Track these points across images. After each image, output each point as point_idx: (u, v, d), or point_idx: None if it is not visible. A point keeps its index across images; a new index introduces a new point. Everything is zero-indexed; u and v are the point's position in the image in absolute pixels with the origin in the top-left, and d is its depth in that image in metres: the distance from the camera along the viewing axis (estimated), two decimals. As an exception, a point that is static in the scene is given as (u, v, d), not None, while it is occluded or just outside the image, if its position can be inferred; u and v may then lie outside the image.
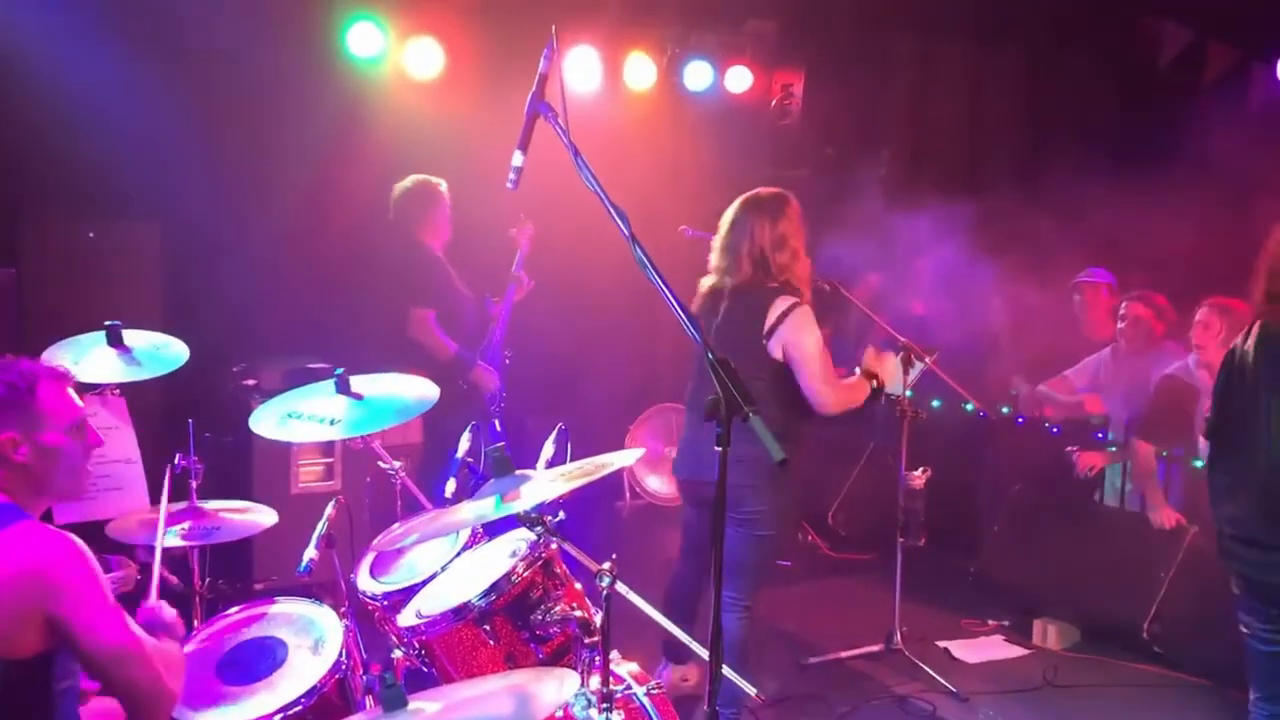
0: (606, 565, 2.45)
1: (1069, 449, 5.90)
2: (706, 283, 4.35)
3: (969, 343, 7.31)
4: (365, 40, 6.58)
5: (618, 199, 6.94)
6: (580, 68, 7.24)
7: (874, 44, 7.76)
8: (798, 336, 4.02)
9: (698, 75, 7.66)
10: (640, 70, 7.53)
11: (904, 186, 8.07)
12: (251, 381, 5.52)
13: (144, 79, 5.64)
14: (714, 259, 4.33)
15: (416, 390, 3.40)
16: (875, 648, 5.22)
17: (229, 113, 6.10)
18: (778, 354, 4.05)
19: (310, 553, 3.21)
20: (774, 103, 7.90)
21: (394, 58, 6.76)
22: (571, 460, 2.92)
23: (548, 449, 2.97)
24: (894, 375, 4.59)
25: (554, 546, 2.83)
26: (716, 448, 2.21)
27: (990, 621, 5.71)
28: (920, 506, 5.08)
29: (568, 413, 7.53)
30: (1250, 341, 3.25)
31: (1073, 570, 5.52)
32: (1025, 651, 5.43)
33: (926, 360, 5.09)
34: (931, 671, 4.99)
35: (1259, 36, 6.81)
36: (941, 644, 5.45)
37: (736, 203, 4.35)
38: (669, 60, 7.63)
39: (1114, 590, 5.33)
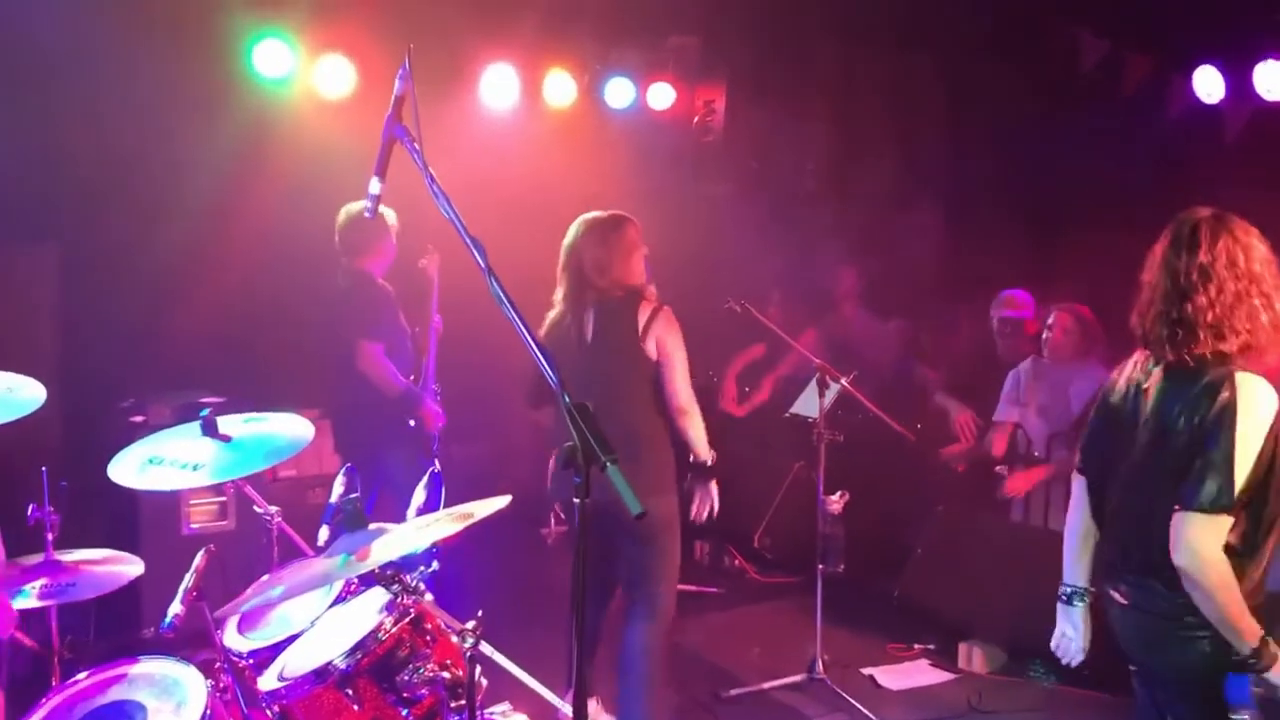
0: (470, 625, 2.28)
1: (997, 468, 5.83)
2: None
3: (892, 359, 7.27)
4: (273, 59, 6.38)
5: (539, 220, 6.81)
6: (498, 86, 7.09)
7: (795, 57, 7.69)
8: (668, 335, 4.22)
9: (619, 92, 7.55)
10: (560, 88, 7.39)
11: (827, 200, 8.02)
12: (139, 418, 5.26)
13: (37, 95, 5.42)
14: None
15: (291, 430, 3.22)
16: (797, 678, 5.10)
17: (127, 133, 5.87)
18: (653, 354, 4.19)
19: (175, 608, 3.00)
20: (696, 119, 7.82)
21: (304, 76, 6.56)
22: (444, 506, 2.75)
23: (419, 495, 2.80)
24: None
25: (426, 598, 2.65)
26: (575, 500, 2.07)
27: (915, 645, 5.61)
28: (839, 532, 4.97)
29: (492, 440, 7.46)
30: (1125, 375, 3.07)
31: (996, 591, 5.42)
32: (951, 676, 5.33)
33: (843, 382, 4.99)
34: (854, 701, 4.87)
35: (1175, 48, 6.80)
36: (866, 671, 5.33)
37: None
38: (589, 77, 7.50)
39: (1037, 610, 5.21)
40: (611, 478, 2.00)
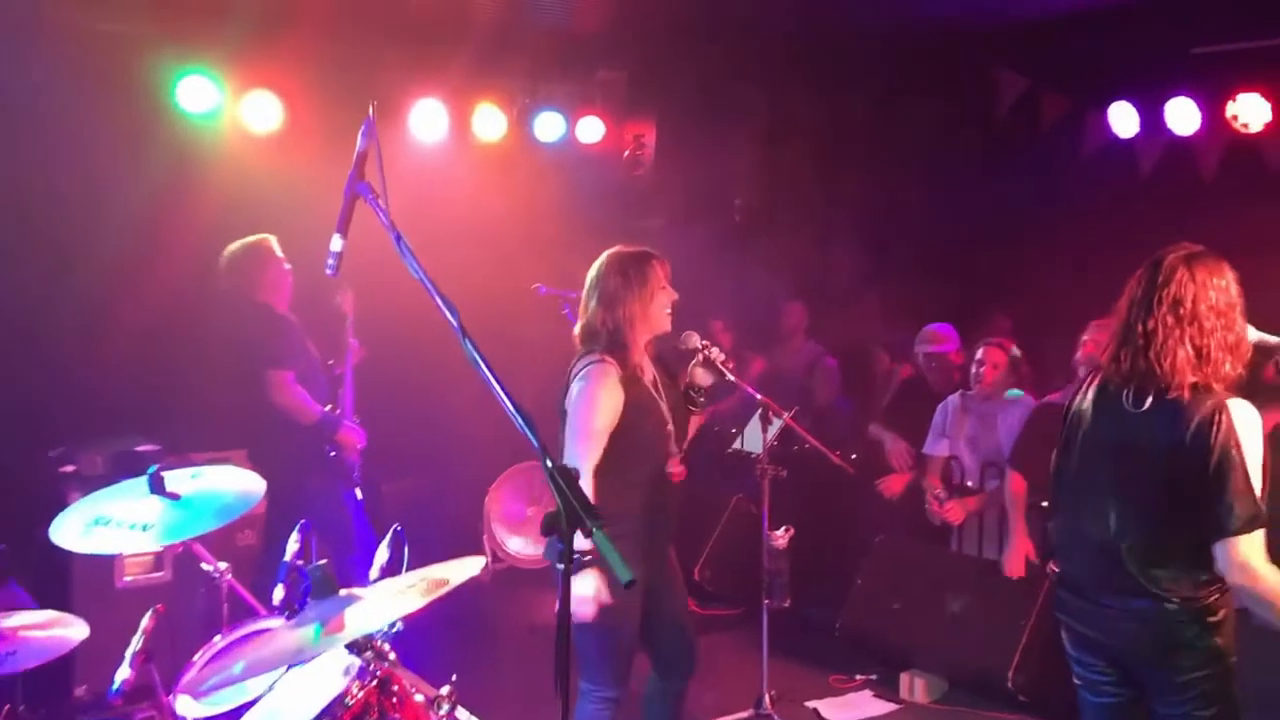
0: (445, 690, 2.25)
1: (933, 496, 5.91)
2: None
3: (833, 392, 7.37)
4: (197, 95, 6.27)
5: (470, 254, 6.79)
6: (427, 120, 7.05)
7: (724, 93, 7.78)
8: (580, 390, 3.67)
9: (548, 126, 7.55)
10: (490, 122, 7.37)
11: (756, 235, 8.11)
12: (70, 468, 5.09)
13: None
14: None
15: (240, 485, 3.15)
16: (745, 713, 5.11)
17: (47, 171, 5.70)
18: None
19: (124, 673, 2.92)
20: (626, 153, 7.85)
21: (230, 112, 6.46)
22: (408, 565, 2.70)
23: (381, 554, 2.74)
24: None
25: (391, 658, 2.60)
26: (558, 565, 2.05)
27: (858, 676, 5.66)
28: (784, 567, 4.99)
29: (424, 475, 7.36)
30: (1089, 399, 3.23)
31: (937, 621, 5.50)
32: (894, 706, 5.38)
33: (784, 417, 5.02)
34: (801, 735, 4.90)
35: (1091, 86, 7.03)
36: (811, 704, 5.37)
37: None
38: (519, 111, 7.50)
39: (978, 640, 5.33)
40: (598, 544, 1.99)
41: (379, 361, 5.89)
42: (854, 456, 6.10)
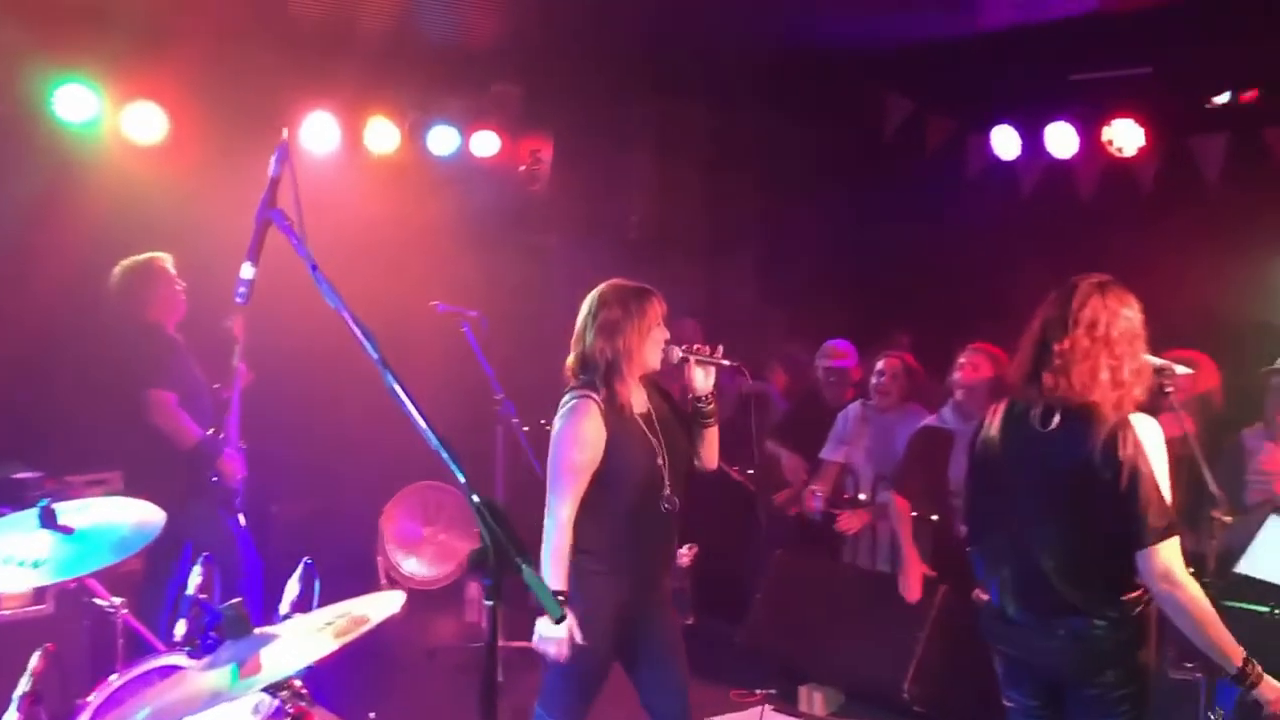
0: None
1: (829, 511, 6.00)
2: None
3: (731, 409, 7.43)
4: (76, 104, 6.04)
5: (363, 269, 6.62)
6: (318, 133, 6.92)
7: (620, 109, 7.81)
8: (560, 426, 3.64)
9: (442, 140, 7.48)
10: (382, 135, 7.26)
11: (651, 252, 8.15)
12: (-57, 496, 4.85)
13: None
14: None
15: (136, 517, 3.03)
16: (647, 731, 5.10)
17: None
18: None
19: (11, 717, 2.77)
20: (522, 168, 7.81)
21: (110, 122, 6.24)
22: (318, 598, 2.63)
23: (291, 588, 2.67)
24: None
25: (306, 696, 2.53)
26: (486, 601, 2.02)
27: (758, 691, 5.70)
28: (687, 585, 5.01)
29: (316, 496, 7.19)
30: (996, 424, 3.33)
31: (834, 634, 5.59)
32: (793, 720, 5.46)
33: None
34: (702, 752, 4.92)
35: (973, 109, 7.27)
36: (712, 720, 5.40)
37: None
38: (411, 124, 7.41)
39: (874, 652, 5.43)
40: (527, 580, 1.97)
41: (267, 380, 5.74)
42: (750, 472, 6.18)
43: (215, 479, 5.21)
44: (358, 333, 2.26)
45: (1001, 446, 3.27)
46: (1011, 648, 3.30)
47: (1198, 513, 3.62)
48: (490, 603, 2.02)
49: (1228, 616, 3.61)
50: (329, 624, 2.29)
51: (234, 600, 2.26)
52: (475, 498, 2.04)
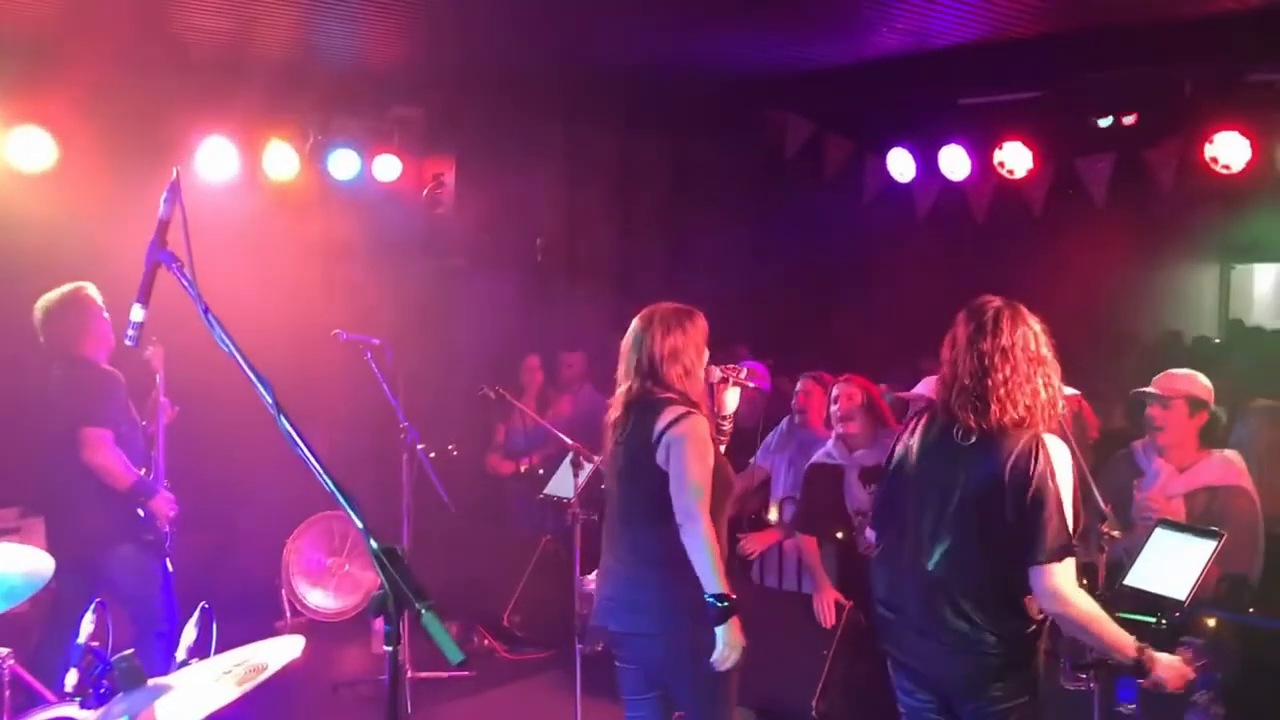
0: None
1: (737, 535, 6.04)
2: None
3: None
4: (-43, 129, 5.86)
5: (266, 298, 6.51)
6: (215, 159, 6.79)
7: (524, 132, 7.82)
8: (680, 445, 3.62)
9: (343, 163, 7.39)
10: (281, 159, 7.16)
11: (558, 275, 8.17)
12: None
13: None
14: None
15: (25, 565, 2.94)
16: (560, 758, 5.09)
17: None
18: (664, 465, 3.69)
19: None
20: (425, 191, 7.76)
21: (-4, 148, 6.07)
22: (216, 644, 2.58)
23: (188, 633, 2.61)
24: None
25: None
26: (386, 647, 2.01)
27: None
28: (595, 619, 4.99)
29: (218, 531, 7.03)
30: (916, 436, 3.40)
31: (748, 655, 5.62)
32: (705, 741, 5.46)
33: (595, 461, 5.06)
34: (615, 778, 4.91)
35: (871, 132, 7.43)
36: (624, 744, 5.39)
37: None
38: (311, 148, 7.31)
39: (784, 671, 5.48)
40: (426, 625, 1.96)
41: (176, 418, 5.59)
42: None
43: (144, 518, 5.02)
44: (251, 376, 2.23)
45: (918, 458, 3.36)
46: (904, 653, 3.37)
47: (1087, 527, 3.74)
48: (390, 648, 2.00)
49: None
50: (227, 673, 2.25)
51: (126, 652, 2.20)
52: (373, 544, 2.03)
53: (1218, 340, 10.43)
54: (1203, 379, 4.56)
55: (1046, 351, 3.24)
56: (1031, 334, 3.22)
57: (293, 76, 6.82)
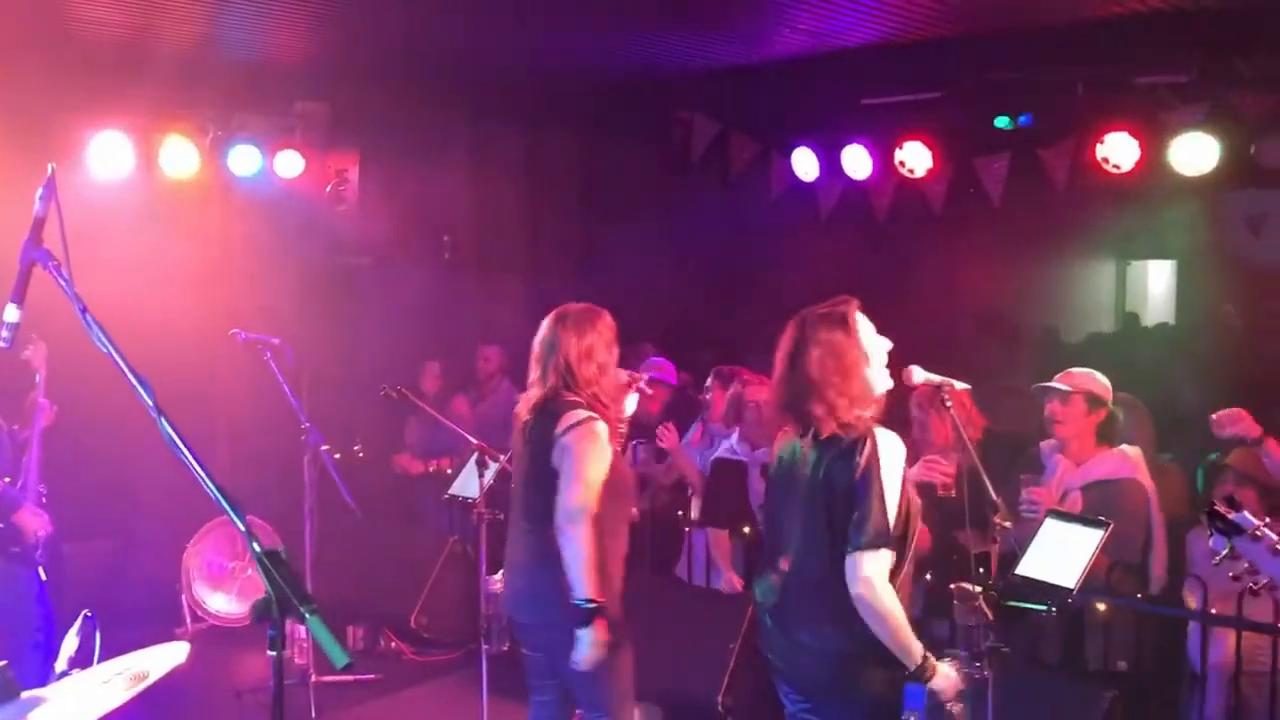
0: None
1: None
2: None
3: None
4: None
5: (164, 298, 6.35)
6: (109, 155, 6.61)
7: (430, 127, 7.75)
8: (571, 449, 3.73)
9: (244, 160, 7.24)
10: (179, 155, 6.99)
11: (466, 271, 8.12)
12: None
13: None
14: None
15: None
16: (467, 761, 5.06)
17: None
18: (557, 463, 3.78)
19: None
20: (329, 188, 7.63)
21: None
22: (100, 654, 2.51)
23: (69, 643, 2.53)
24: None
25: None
26: (270, 652, 1.98)
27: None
28: (503, 611, 4.97)
29: (111, 536, 6.84)
30: (778, 446, 3.46)
31: (650, 650, 5.64)
32: (612, 738, 5.47)
33: (500, 460, 5.04)
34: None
35: (775, 131, 7.51)
36: (532, 743, 5.38)
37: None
38: (211, 144, 7.15)
39: (691, 666, 5.52)
40: (311, 630, 1.93)
41: (62, 420, 5.43)
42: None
43: (6, 529, 4.84)
44: (131, 378, 2.17)
45: (778, 467, 3.46)
46: (773, 655, 3.43)
47: (980, 517, 3.84)
48: (274, 653, 1.97)
49: (1011, 615, 3.89)
50: (106, 683, 2.19)
51: (-1, 664, 2.13)
52: (256, 547, 1.99)
53: (1112, 334, 10.75)
54: (1101, 377, 4.70)
55: (860, 361, 3.29)
56: (844, 341, 3.28)
57: (192, 70, 6.65)
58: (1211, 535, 2.34)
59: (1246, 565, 2.30)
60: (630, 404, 4.20)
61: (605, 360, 3.86)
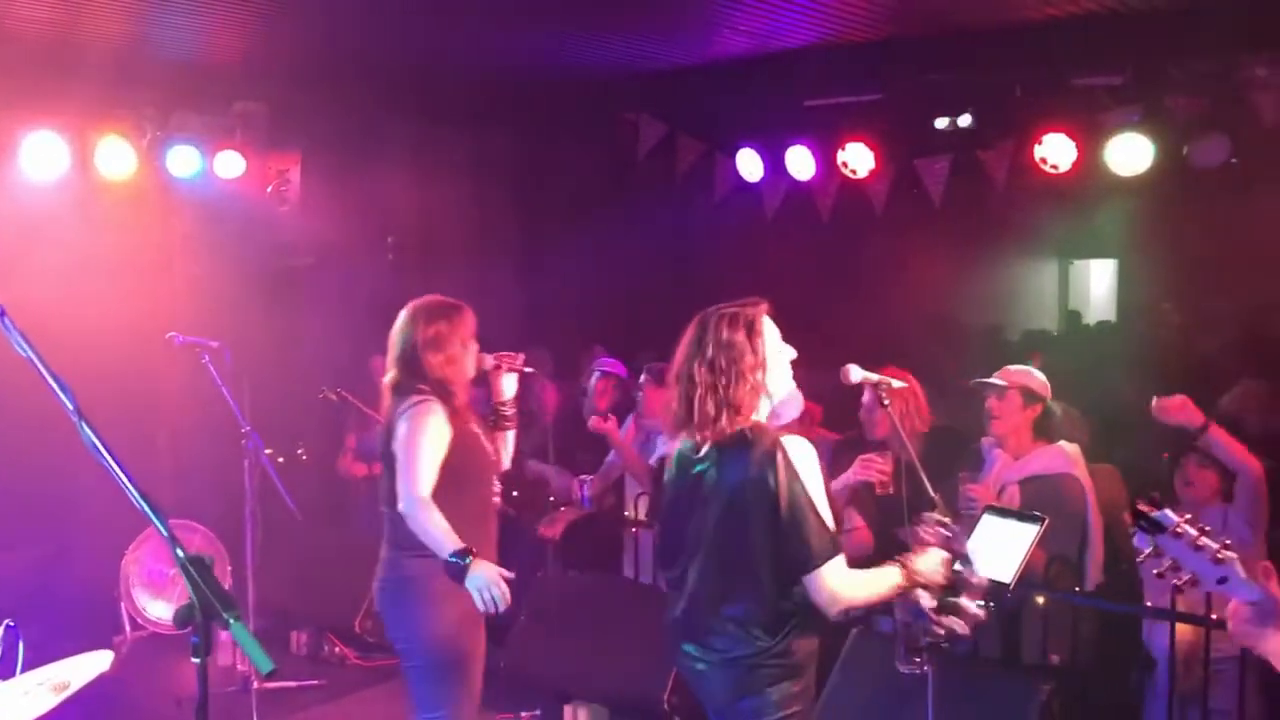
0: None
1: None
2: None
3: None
4: None
5: (99, 300, 6.26)
6: (42, 155, 6.48)
7: (373, 127, 7.69)
8: (399, 432, 3.87)
9: (182, 160, 7.13)
10: (116, 156, 6.87)
11: (411, 272, 8.06)
12: None
13: None
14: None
15: None
16: (410, 765, 5.01)
17: None
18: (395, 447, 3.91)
19: None
20: (270, 188, 7.54)
21: None
22: (24, 665, 2.47)
23: (-9, 654, 2.48)
24: None
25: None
26: (194, 659, 1.95)
27: (522, 714, 5.71)
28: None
29: (37, 544, 6.70)
30: (671, 456, 3.36)
31: (597, 650, 5.65)
32: (558, 740, 5.48)
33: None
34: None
35: (721, 132, 7.53)
36: (477, 747, 5.35)
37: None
38: (149, 144, 7.04)
39: (635, 665, 5.51)
40: (236, 636, 1.91)
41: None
42: (515, 494, 6.18)
43: None
44: (52, 383, 2.13)
45: (672, 478, 3.34)
46: (683, 671, 3.35)
47: (919, 513, 3.86)
48: (198, 660, 1.94)
49: (949, 610, 3.91)
50: (27, 693, 2.15)
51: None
52: (180, 553, 1.96)
53: (1055, 333, 10.91)
54: (1039, 374, 4.77)
55: (771, 354, 3.21)
56: (747, 342, 3.16)
57: (128, 69, 6.55)
58: (1134, 533, 2.35)
59: (1169, 562, 2.31)
60: (508, 386, 4.26)
61: (455, 352, 3.97)
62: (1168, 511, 2.30)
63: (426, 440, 3.82)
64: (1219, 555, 2.23)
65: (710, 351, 3.15)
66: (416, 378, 3.93)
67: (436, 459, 3.83)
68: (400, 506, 3.80)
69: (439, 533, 3.74)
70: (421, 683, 4.02)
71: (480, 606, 3.74)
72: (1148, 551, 2.32)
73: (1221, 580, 2.21)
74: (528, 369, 4.34)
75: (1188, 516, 2.31)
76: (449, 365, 3.95)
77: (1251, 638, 2.14)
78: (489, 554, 3.95)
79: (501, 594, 3.71)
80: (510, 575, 3.79)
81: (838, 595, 3.07)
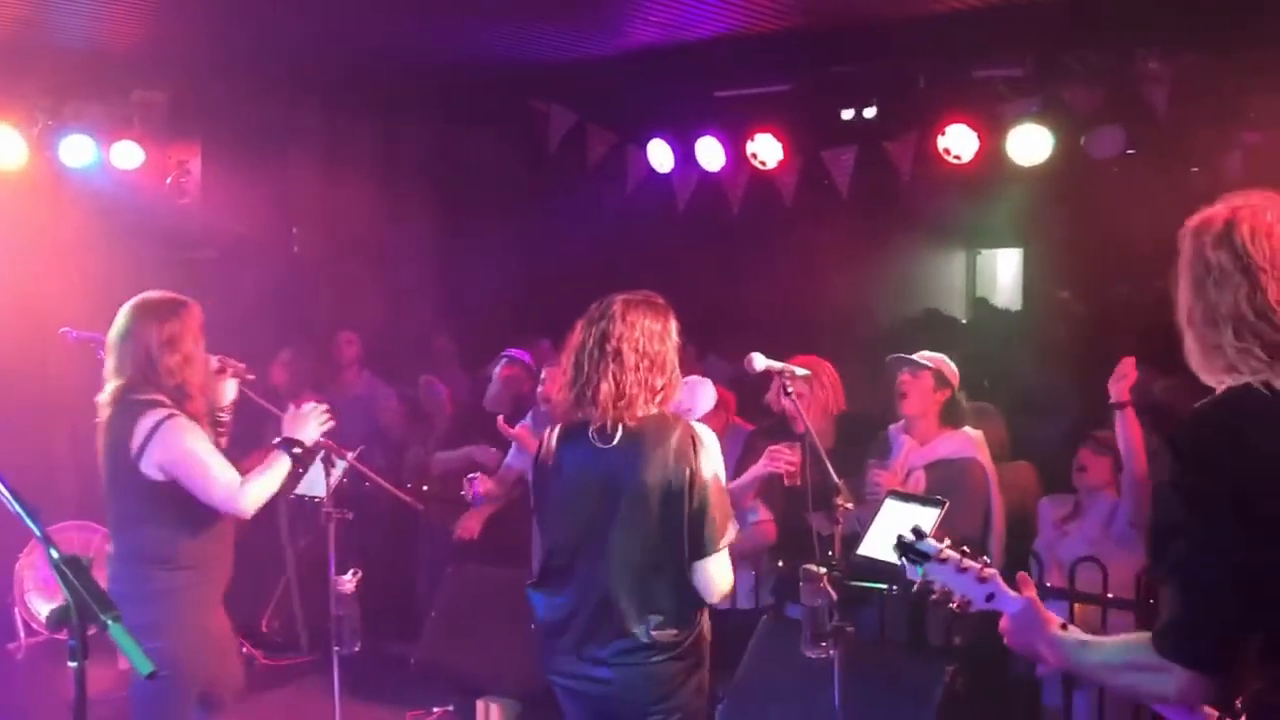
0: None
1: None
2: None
3: (399, 423, 7.31)
4: None
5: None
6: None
7: (277, 118, 7.53)
8: (176, 450, 3.63)
9: (76, 150, 6.90)
10: (4, 145, 6.63)
11: (317, 263, 7.93)
12: None
13: None
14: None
15: None
16: (316, 764, 4.95)
17: None
18: (156, 475, 3.64)
19: None
20: (169, 179, 7.34)
21: None
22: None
23: None
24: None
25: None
26: (71, 663, 1.88)
27: (435, 710, 5.66)
28: (354, 612, 4.85)
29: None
30: (553, 447, 3.27)
31: (507, 644, 5.60)
32: (469, 735, 5.44)
33: (348, 458, 4.93)
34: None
35: (632, 123, 7.51)
36: (388, 744, 5.31)
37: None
38: (40, 133, 6.81)
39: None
40: (114, 637, 1.85)
41: None
42: (425, 489, 6.12)
43: None
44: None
45: (565, 469, 3.22)
46: (567, 678, 3.25)
47: (824, 499, 3.90)
48: (75, 664, 1.88)
49: (858, 595, 3.98)
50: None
51: None
52: (54, 553, 1.90)
53: (964, 320, 11.11)
54: (951, 364, 4.84)
55: (660, 352, 3.17)
56: (642, 329, 3.13)
57: (17, 56, 6.32)
58: (904, 565, 2.32)
59: (940, 588, 2.28)
60: (229, 391, 4.12)
61: (191, 351, 3.76)
62: (930, 539, 2.31)
63: (197, 448, 3.65)
64: (982, 574, 2.23)
65: (631, 334, 3.10)
66: (151, 385, 3.68)
67: (216, 454, 3.72)
68: (234, 510, 3.74)
69: (272, 479, 3.77)
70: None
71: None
72: (919, 581, 2.30)
73: (989, 597, 2.22)
74: (250, 375, 4.21)
75: (948, 542, 2.30)
76: (186, 366, 3.73)
77: (1026, 646, 2.19)
78: (227, 556, 3.95)
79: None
80: None
81: (726, 583, 3.16)
